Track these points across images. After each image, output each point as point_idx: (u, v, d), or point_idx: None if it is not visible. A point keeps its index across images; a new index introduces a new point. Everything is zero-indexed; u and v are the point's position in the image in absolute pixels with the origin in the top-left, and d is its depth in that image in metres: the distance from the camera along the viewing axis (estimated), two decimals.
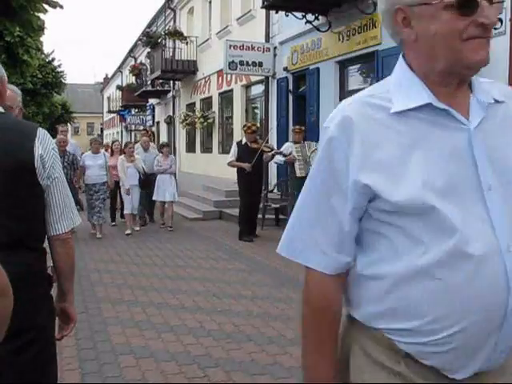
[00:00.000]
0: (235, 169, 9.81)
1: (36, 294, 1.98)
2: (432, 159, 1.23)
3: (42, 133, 2.05)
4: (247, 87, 16.56)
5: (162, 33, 21.95)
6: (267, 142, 10.39)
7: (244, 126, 10.01)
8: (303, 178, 9.82)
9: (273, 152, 10.01)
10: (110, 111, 41.81)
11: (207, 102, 19.92)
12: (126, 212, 10.91)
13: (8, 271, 1.14)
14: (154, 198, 11.42)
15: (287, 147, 10.22)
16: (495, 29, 6.54)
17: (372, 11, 9.82)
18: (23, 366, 1.93)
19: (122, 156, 10.96)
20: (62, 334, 2.29)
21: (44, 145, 2.02)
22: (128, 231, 10.61)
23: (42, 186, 2.02)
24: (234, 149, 9.89)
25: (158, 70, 20.74)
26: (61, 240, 2.10)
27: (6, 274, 1.13)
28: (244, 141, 9.77)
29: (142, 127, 29.53)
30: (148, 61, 24.40)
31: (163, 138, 24.97)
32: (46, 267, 2.10)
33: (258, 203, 10.12)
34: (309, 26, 11.34)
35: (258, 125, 11.46)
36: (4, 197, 1.90)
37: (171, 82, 23.81)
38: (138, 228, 11.04)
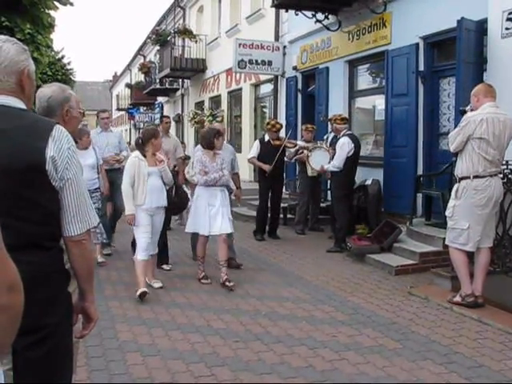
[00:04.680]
0: (248, 167, 9.73)
1: (49, 292, 1.97)
2: None
3: (57, 132, 2.00)
4: (256, 86, 16.55)
5: (172, 31, 21.98)
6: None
7: (267, 124, 9.84)
8: (315, 178, 9.81)
9: (297, 147, 9.87)
10: (118, 109, 41.87)
11: (216, 101, 19.92)
12: (139, 257, 6.21)
13: (20, 271, 1.15)
14: (187, 229, 6.87)
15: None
16: (507, 29, 6.50)
17: (382, 11, 9.79)
18: (37, 362, 1.94)
19: (137, 153, 6.38)
20: (81, 333, 2.29)
21: (58, 145, 1.98)
22: (141, 290, 5.98)
23: (55, 187, 1.99)
24: (256, 145, 9.71)
25: (167, 68, 20.77)
26: (74, 242, 2.07)
27: (17, 271, 1.13)
28: (266, 138, 9.69)
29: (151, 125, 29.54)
30: (157, 59, 24.43)
31: None
32: (62, 265, 2.09)
33: (280, 202, 10.03)
34: (319, 25, 11.30)
35: (283, 123, 11.33)
36: (15, 199, 1.89)
37: (180, 80, 23.85)
38: (159, 284, 6.52)
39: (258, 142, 9.89)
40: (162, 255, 7.19)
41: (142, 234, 6.21)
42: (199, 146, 7.22)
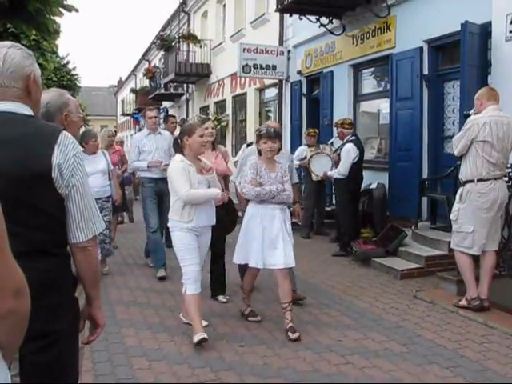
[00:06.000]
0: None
1: (56, 298, 1.98)
2: None
3: (63, 138, 2.00)
4: (261, 90, 16.57)
5: (176, 36, 22.04)
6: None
7: (256, 130, 9.88)
8: (320, 182, 9.80)
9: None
10: (123, 114, 42.01)
11: (221, 105, 19.96)
12: (189, 291, 4.88)
13: (26, 277, 1.17)
14: (236, 259, 5.34)
15: (301, 151, 10.18)
16: (511, 32, 6.50)
17: (386, 15, 9.80)
18: (43, 367, 1.95)
19: (179, 157, 4.94)
20: (88, 339, 2.30)
21: (64, 152, 1.98)
22: (200, 335, 4.66)
23: (60, 194, 1.99)
24: (243, 149, 9.62)
25: (172, 73, 20.83)
26: (79, 248, 2.07)
27: (24, 276, 1.15)
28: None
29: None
30: (162, 64, 24.50)
31: None
32: (68, 271, 2.10)
33: None
34: (323, 30, 11.32)
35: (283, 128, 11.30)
36: (21, 207, 1.89)
37: (185, 85, 23.90)
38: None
39: (245, 146, 9.93)
40: (216, 284, 6.19)
41: (190, 260, 4.87)
42: (252, 149, 5.95)
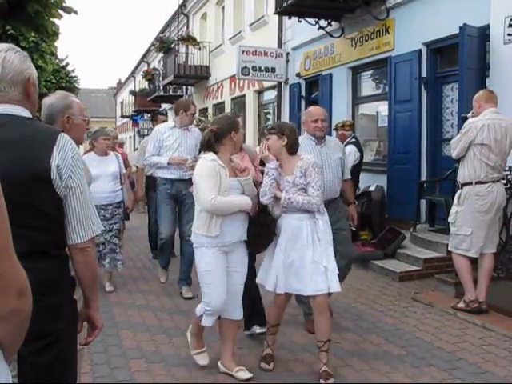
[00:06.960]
0: None
1: (56, 299, 1.99)
2: None
3: (62, 140, 2.02)
4: (260, 93, 16.59)
5: (175, 38, 22.06)
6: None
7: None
8: None
9: None
10: (122, 116, 41.99)
11: (220, 108, 19.95)
12: (203, 322, 4.18)
13: (28, 278, 1.17)
14: (259, 279, 4.41)
15: None
16: (509, 35, 6.52)
17: (385, 17, 9.81)
18: (42, 368, 1.96)
19: (212, 155, 3.96)
20: (86, 340, 2.30)
21: (63, 154, 1.99)
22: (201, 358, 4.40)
23: (59, 195, 2.01)
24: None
25: (171, 75, 20.84)
26: (78, 249, 2.09)
27: (26, 276, 1.16)
28: None
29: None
30: (161, 66, 24.52)
31: None
32: (67, 272, 2.11)
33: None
34: (322, 32, 11.33)
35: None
36: (21, 208, 1.89)
37: (184, 87, 23.91)
38: (246, 375, 4.11)
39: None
40: (253, 315, 4.84)
41: (216, 286, 3.98)
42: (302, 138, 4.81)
